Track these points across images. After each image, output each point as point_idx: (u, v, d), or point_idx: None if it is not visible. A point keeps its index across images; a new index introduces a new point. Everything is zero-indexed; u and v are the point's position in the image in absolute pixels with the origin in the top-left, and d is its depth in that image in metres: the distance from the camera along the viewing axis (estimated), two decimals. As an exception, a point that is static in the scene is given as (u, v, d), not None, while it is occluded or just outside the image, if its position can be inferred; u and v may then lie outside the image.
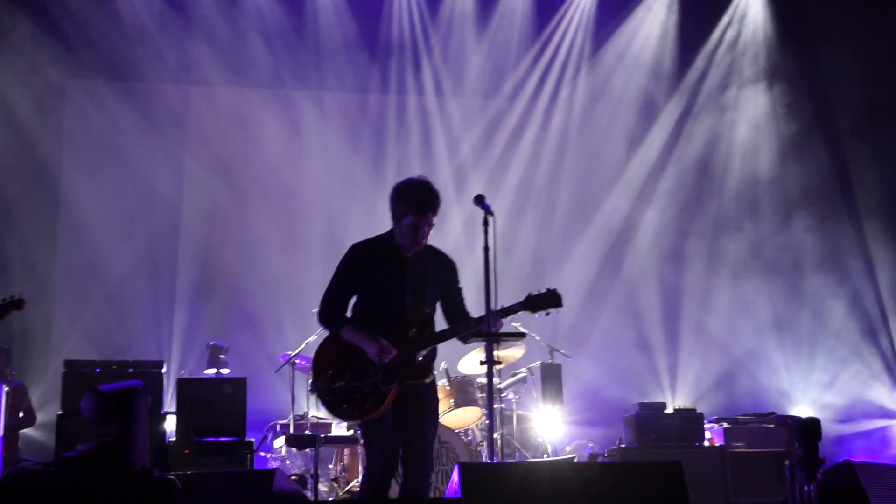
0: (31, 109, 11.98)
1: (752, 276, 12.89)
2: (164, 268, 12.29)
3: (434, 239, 6.14)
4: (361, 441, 6.20)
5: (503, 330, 6.00)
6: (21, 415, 10.60)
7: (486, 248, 6.00)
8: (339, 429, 10.03)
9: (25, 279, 11.59)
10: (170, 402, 9.16)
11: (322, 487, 9.41)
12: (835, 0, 12.78)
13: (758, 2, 13.23)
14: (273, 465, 9.91)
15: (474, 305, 6.26)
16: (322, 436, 8.93)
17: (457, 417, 9.47)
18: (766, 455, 9.76)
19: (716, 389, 12.53)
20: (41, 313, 11.58)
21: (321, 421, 10.45)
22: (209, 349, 10.44)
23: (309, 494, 8.48)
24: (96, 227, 12.11)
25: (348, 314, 6.12)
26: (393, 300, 5.89)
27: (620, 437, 10.19)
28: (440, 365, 9.66)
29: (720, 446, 9.90)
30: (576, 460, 10.06)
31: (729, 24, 13.27)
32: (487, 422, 6.34)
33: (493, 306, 5.88)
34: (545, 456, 10.24)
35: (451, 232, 11.97)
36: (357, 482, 9.12)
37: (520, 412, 10.46)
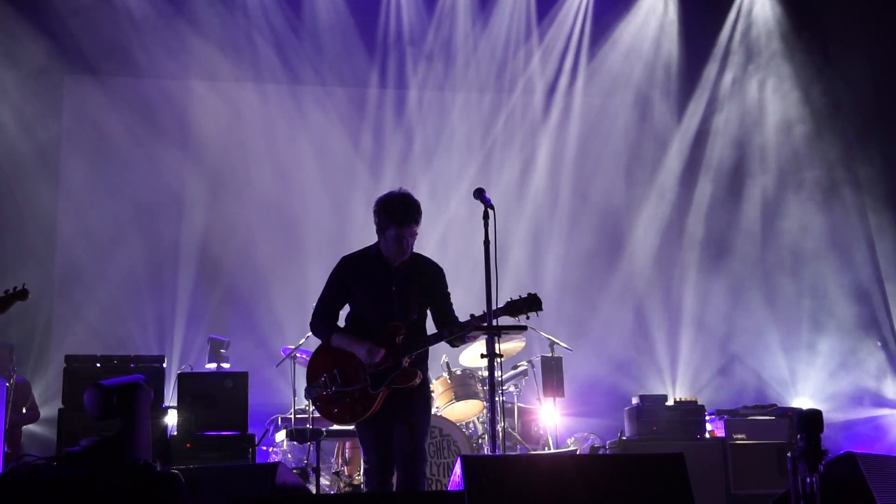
0: (30, 105, 11.97)
1: (753, 268, 12.90)
2: (165, 262, 12.30)
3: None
4: (360, 442, 6.39)
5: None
6: (25, 410, 10.61)
7: (487, 242, 6.15)
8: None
9: (26, 275, 11.56)
10: (171, 397, 9.16)
11: (324, 481, 9.42)
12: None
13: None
14: (275, 458, 9.92)
15: (477, 298, 6.29)
16: (324, 430, 8.94)
17: (458, 410, 9.48)
18: (768, 447, 9.76)
19: (717, 381, 12.54)
20: (42, 309, 11.59)
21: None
22: (210, 343, 10.44)
23: (311, 488, 8.49)
24: (97, 222, 12.13)
25: (341, 324, 6.36)
26: (381, 308, 6.13)
27: (622, 430, 10.20)
28: (441, 359, 9.67)
29: (721, 438, 9.90)
30: (577, 453, 10.07)
31: (736, 19, 13.27)
32: (489, 415, 6.40)
33: (493, 300, 6.03)
34: (546, 448, 10.25)
35: (452, 226, 12.00)
36: (359, 475, 9.15)
37: (521, 405, 10.46)
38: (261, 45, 12.64)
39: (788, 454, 4.80)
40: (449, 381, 9.54)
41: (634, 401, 10.18)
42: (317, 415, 9.95)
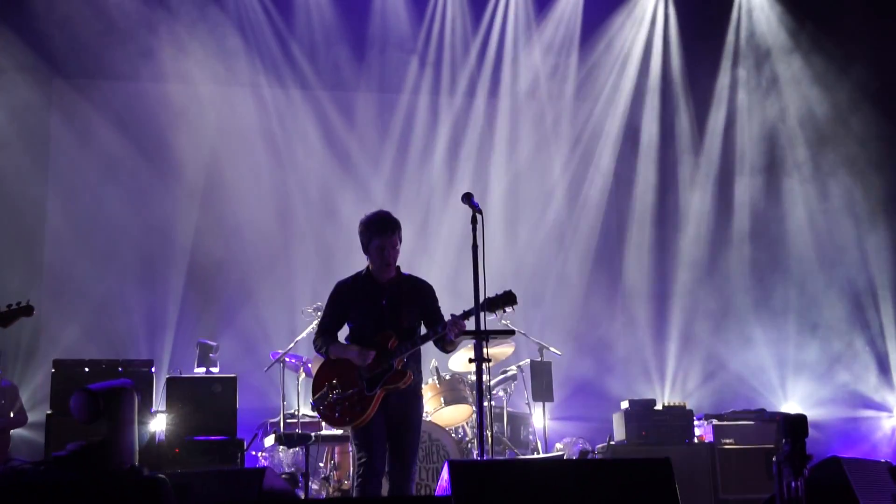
0: (16, 110, 11.94)
1: (741, 273, 12.93)
2: (154, 266, 12.28)
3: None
4: (354, 443, 6.67)
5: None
6: (12, 415, 10.58)
7: (475, 246, 6.34)
8: (330, 427, 10.02)
9: (13, 278, 11.57)
10: (160, 401, 9.15)
11: (313, 486, 9.41)
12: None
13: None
14: (263, 463, 9.91)
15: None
16: (313, 434, 8.93)
17: (447, 415, 9.48)
18: (756, 451, 9.80)
19: (705, 386, 12.56)
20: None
21: (312, 419, 10.45)
22: (198, 348, 10.43)
23: (300, 493, 8.49)
24: (86, 226, 12.11)
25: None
26: (374, 322, 6.66)
27: (611, 434, 10.22)
28: (430, 363, 9.67)
29: (710, 443, 9.94)
30: (566, 457, 10.08)
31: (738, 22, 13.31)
32: (477, 419, 6.47)
33: (481, 303, 6.25)
34: (535, 453, 10.26)
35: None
36: (347, 481, 9.16)
37: (510, 409, 10.47)
38: (251, 47, 12.64)
39: (774, 458, 4.82)
40: (438, 386, 9.54)
41: (623, 405, 10.21)
42: (305, 420, 10.02)
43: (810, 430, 4.71)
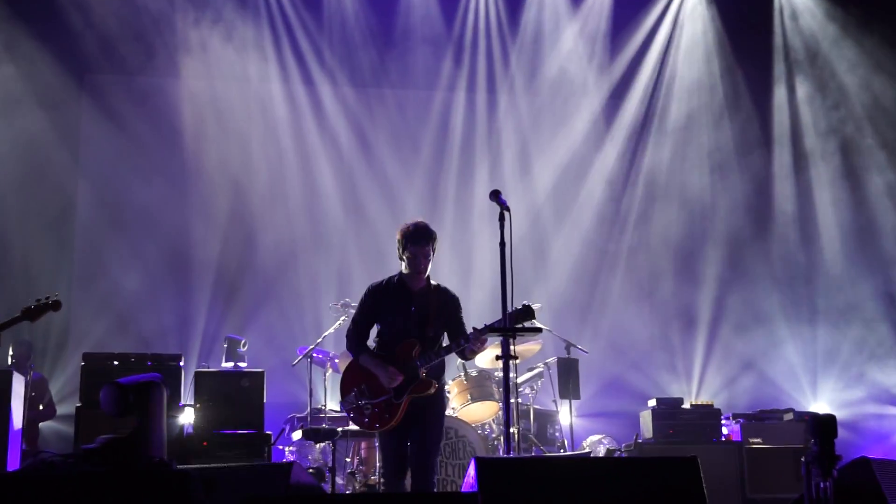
0: (46, 107, 12.01)
1: (770, 271, 12.84)
2: (184, 261, 12.34)
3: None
4: (379, 443, 7.11)
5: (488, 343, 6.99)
6: (41, 407, 10.67)
7: (503, 244, 6.50)
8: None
9: (44, 271, 11.67)
10: (188, 395, 9.20)
11: (339, 481, 9.43)
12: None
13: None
14: (290, 458, 9.95)
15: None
16: (339, 429, 8.95)
17: (473, 411, 9.48)
18: (784, 451, 9.73)
19: (733, 385, 12.49)
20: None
21: (338, 414, 10.48)
22: (226, 342, 10.47)
23: (326, 487, 8.51)
24: (115, 221, 12.18)
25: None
26: (401, 327, 6.98)
27: (638, 432, 10.18)
28: (457, 360, 9.68)
29: (737, 442, 9.89)
30: (592, 455, 10.06)
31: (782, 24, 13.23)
32: (504, 416, 6.53)
33: (509, 301, 6.42)
34: (562, 451, 10.25)
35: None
36: (373, 477, 9.19)
37: (536, 407, 10.46)
38: (280, 45, 12.70)
39: (802, 459, 4.80)
40: (465, 383, 9.55)
41: (651, 404, 10.17)
42: (332, 415, 10.05)
43: (840, 431, 4.68)
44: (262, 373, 8.85)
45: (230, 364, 10.03)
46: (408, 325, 6.97)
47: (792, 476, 9.47)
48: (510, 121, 13.35)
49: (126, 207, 12.25)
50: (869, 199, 12.48)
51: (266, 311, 12.31)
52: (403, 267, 7.05)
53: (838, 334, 12.36)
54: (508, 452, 6.54)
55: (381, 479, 6.97)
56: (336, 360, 10.02)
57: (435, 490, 7.01)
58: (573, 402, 10.45)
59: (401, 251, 7.02)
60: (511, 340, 6.50)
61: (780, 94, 13.07)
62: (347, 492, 9.48)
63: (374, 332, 7.23)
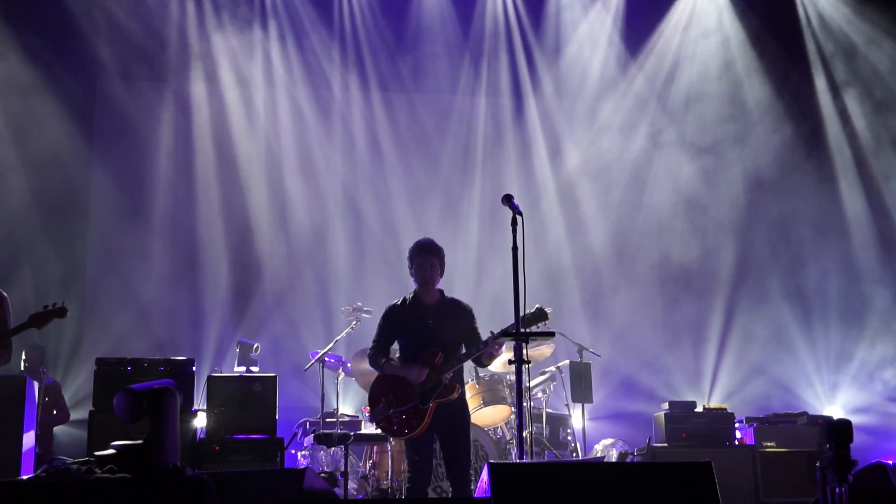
0: (61, 109, 12.06)
1: (784, 273, 12.81)
2: (196, 265, 12.35)
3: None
4: (406, 450, 7.47)
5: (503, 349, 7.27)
6: (55, 412, 10.70)
7: (515, 248, 6.55)
8: (369, 427, 10.07)
9: (56, 275, 11.71)
10: (201, 400, 9.20)
11: (352, 485, 9.43)
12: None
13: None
14: (303, 462, 9.95)
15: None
16: (352, 434, 8.95)
17: (486, 415, 9.48)
18: (798, 455, 9.71)
19: (747, 389, 12.46)
20: (72, 311, 11.63)
21: (351, 419, 10.49)
22: (239, 347, 10.49)
23: (339, 492, 8.51)
24: (128, 225, 12.21)
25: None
26: (421, 338, 7.41)
27: (650, 436, 10.16)
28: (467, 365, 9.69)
29: (751, 446, 9.86)
30: (605, 459, 10.04)
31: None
32: (517, 420, 6.55)
33: (521, 305, 6.51)
34: (574, 454, 10.23)
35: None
36: (385, 481, 9.20)
37: (549, 410, 10.45)
38: (295, 49, 12.74)
39: (818, 464, 4.77)
40: (477, 387, 9.55)
41: (664, 407, 10.15)
42: (344, 419, 10.06)
43: (855, 435, 4.66)
44: (275, 377, 8.84)
45: (242, 368, 10.04)
46: (427, 337, 7.38)
47: (806, 479, 9.45)
48: (521, 123, 13.33)
49: (139, 212, 12.27)
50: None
51: (278, 316, 12.33)
52: (415, 282, 7.50)
53: (854, 337, 12.32)
54: (522, 457, 6.53)
55: (407, 485, 7.30)
56: (349, 365, 10.03)
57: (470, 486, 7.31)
58: (585, 405, 10.44)
59: (410, 266, 7.52)
60: (524, 344, 6.57)
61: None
62: (360, 496, 9.49)
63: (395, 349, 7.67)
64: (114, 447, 4.59)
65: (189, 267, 12.34)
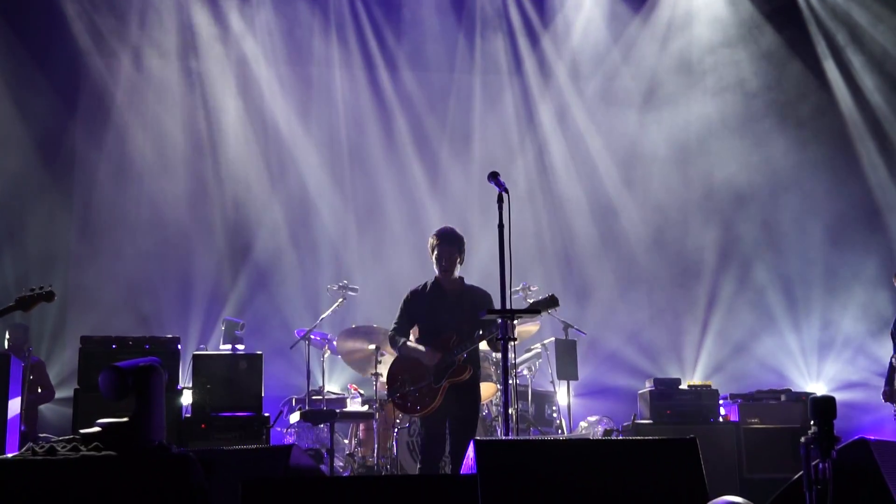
0: (43, 85, 11.99)
1: (768, 250, 12.84)
2: (182, 243, 12.31)
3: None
4: (420, 427, 7.98)
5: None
6: (40, 390, 10.69)
7: (501, 226, 6.64)
8: (354, 404, 10.09)
9: (40, 253, 11.66)
10: (186, 378, 9.19)
11: (337, 462, 9.46)
12: None
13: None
14: (289, 440, 9.97)
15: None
16: (337, 411, 8.97)
17: (472, 393, 9.48)
18: (781, 431, 9.76)
19: (730, 366, 12.51)
20: (56, 289, 11.60)
21: (337, 396, 10.51)
22: (224, 325, 10.48)
23: (324, 469, 8.53)
24: (113, 202, 12.17)
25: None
26: (439, 321, 7.75)
27: (635, 413, 10.20)
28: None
29: (735, 422, 9.91)
30: (590, 436, 10.08)
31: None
32: (502, 398, 6.58)
33: (507, 283, 6.65)
34: (560, 431, 10.28)
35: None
36: (371, 458, 9.25)
37: (534, 388, 10.48)
38: (293, 25, 12.71)
39: (802, 440, 4.79)
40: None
41: (648, 384, 10.19)
42: (330, 397, 10.09)
43: (839, 410, 4.68)
44: (261, 355, 8.84)
45: (228, 347, 10.03)
46: (445, 321, 7.69)
47: (789, 456, 9.48)
48: (506, 99, 13.32)
49: (123, 189, 12.22)
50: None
51: (264, 294, 12.31)
52: (435, 269, 7.83)
53: (838, 313, 12.37)
54: (507, 434, 6.62)
55: (420, 458, 7.82)
56: (334, 343, 10.03)
57: None
58: (571, 382, 10.47)
59: (430, 253, 7.86)
60: (512, 323, 6.73)
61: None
62: (346, 474, 9.52)
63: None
64: (99, 425, 4.57)
65: (173, 245, 12.28)
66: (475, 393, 7.81)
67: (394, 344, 7.95)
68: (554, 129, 13.25)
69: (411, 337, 7.91)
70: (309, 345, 9.99)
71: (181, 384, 8.72)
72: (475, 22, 13.16)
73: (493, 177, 6.85)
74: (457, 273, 7.85)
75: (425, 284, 7.97)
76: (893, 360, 9.38)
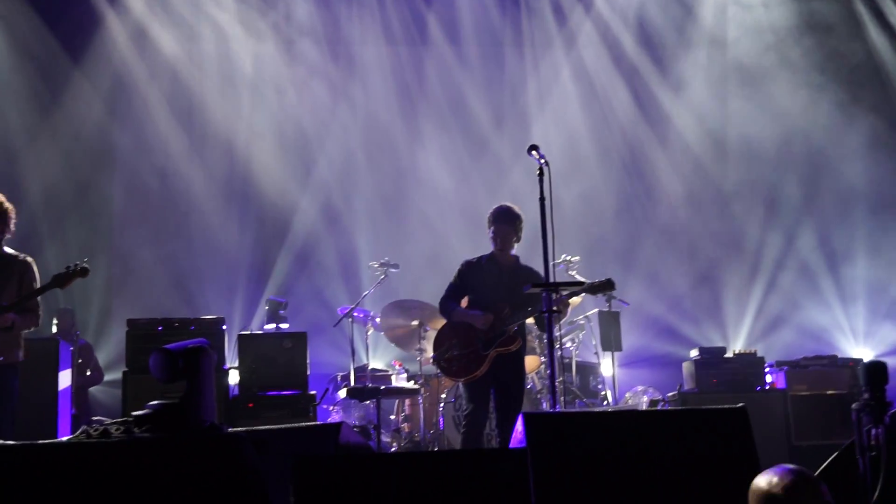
0: (79, 65, 12.12)
1: (810, 214, 12.72)
2: (223, 225, 12.36)
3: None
4: (464, 396, 7.79)
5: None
6: (89, 373, 10.82)
7: (542, 199, 6.63)
8: (400, 380, 10.12)
9: (84, 237, 11.77)
10: (232, 358, 9.27)
11: (384, 438, 9.51)
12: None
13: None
14: (335, 417, 10.03)
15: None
16: (382, 387, 9.01)
17: (516, 366, 9.49)
18: (829, 397, 9.69)
19: (776, 333, 12.41)
20: (101, 274, 11.73)
21: (381, 373, 10.54)
22: (268, 304, 10.54)
23: (372, 445, 8.58)
24: (154, 187, 12.25)
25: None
26: (491, 293, 7.73)
27: (681, 383, 10.16)
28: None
29: (782, 390, 9.85)
30: (637, 408, 10.06)
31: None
32: (548, 370, 6.59)
33: (550, 255, 6.59)
34: (605, 402, 10.26)
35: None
36: (417, 434, 9.28)
37: (579, 360, 10.46)
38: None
39: (853, 406, 4.76)
40: (506, 338, 9.56)
41: (693, 353, 10.14)
42: (375, 373, 10.13)
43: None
44: (305, 334, 8.92)
45: (272, 326, 10.10)
46: (497, 296, 7.67)
47: (838, 422, 9.44)
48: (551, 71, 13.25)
49: (165, 171, 12.30)
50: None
51: (304, 273, 12.34)
52: (491, 245, 7.85)
53: (881, 274, 12.25)
54: (555, 406, 6.62)
55: (463, 430, 7.67)
56: (377, 320, 10.06)
57: None
58: (615, 353, 10.43)
59: (488, 229, 7.86)
60: (554, 294, 6.77)
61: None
62: (393, 449, 9.57)
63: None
64: (150, 407, 4.61)
65: (218, 226, 12.33)
66: (521, 365, 7.81)
67: (445, 309, 7.94)
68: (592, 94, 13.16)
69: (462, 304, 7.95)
70: (352, 322, 10.02)
71: (227, 364, 8.81)
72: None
73: (533, 149, 6.77)
74: (513, 251, 7.87)
75: (480, 257, 7.98)
76: None
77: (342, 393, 9.87)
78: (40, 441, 4.75)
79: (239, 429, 5.22)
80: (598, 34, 13.13)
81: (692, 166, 13.10)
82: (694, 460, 5.01)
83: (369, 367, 10.29)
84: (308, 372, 8.78)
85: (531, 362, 9.57)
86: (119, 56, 12.28)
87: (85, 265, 7.34)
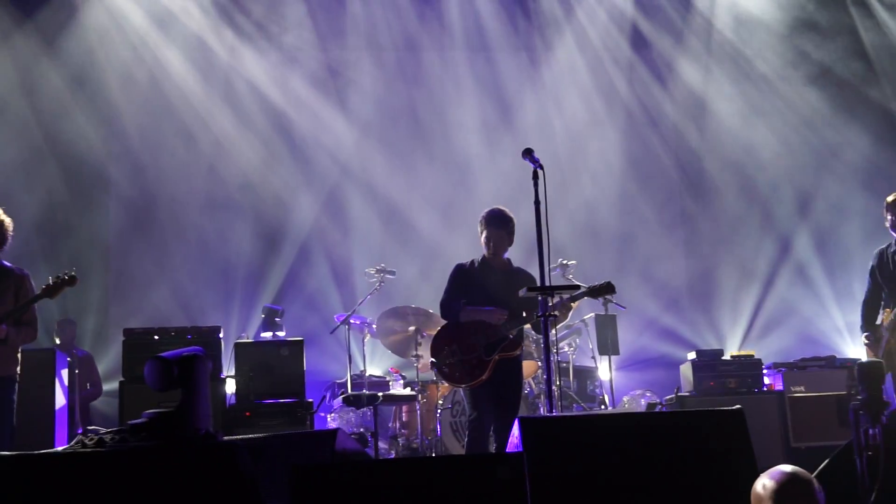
0: (74, 69, 12.14)
1: (804, 217, 12.72)
2: (218, 234, 12.34)
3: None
4: (467, 402, 7.72)
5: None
6: (88, 386, 10.76)
7: (538, 202, 6.58)
8: (397, 387, 10.11)
9: (80, 247, 11.74)
10: (229, 367, 9.26)
11: (382, 445, 9.49)
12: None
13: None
14: (332, 424, 10.02)
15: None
16: (380, 394, 9.00)
17: (513, 371, 9.48)
18: (827, 399, 9.68)
19: (773, 335, 12.40)
20: (97, 283, 11.71)
21: (379, 380, 10.53)
22: (264, 312, 10.52)
23: (369, 452, 8.57)
24: (150, 193, 12.22)
25: None
26: (485, 300, 7.60)
27: (678, 385, 10.16)
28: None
29: (779, 391, 9.84)
30: (634, 411, 10.05)
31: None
32: (545, 375, 6.60)
33: (546, 259, 6.57)
34: (602, 406, 10.25)
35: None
36: (416, 440, 9.26)
37: (575, 364, 10.45)
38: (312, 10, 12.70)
39: (851, 406, 4.76)
40: (503, 343, 9.55)
41: (690, 356, 10.14)
42: (372, 380, 10.10)
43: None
44: (302, 341, 8.91)
45: (269, 334, 10.08)
46: (493, 298, 7.58)
47: (836, 423, 9.43)
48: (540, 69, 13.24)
49: (160, 180, 12.28)
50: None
51: (300, 280, 12.32)
52: (484, 249, 7.80)
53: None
54: (552, 411, 6.61)
55: (467, 436, 7.60)
56: (374, 326, 10.05)
57: None
58: (612, 357, 10.42)
59: (480, 233, 7.81)
60: (550, 299, 6.71)
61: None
62: (391, 456, 9.55)
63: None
64: (146, 415, 4.61)
65: (212, 236, 12.31)
66: (520, 370, 7.78)
67: (450, 310, 7.74)
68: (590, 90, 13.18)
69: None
70: (349, 329, 10.01)
71: (224, 373, 8.80)
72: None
73: (528, 153, 6.75)
74: (506, 255, 7.82)
75: (472, 261, 7.87)
76: None
77: (339, 400, 9.85)
78: (36, 451, 4.74)
79: (234, 437, 5.21)
80: (599, 34, 13.13)
81: (690, 168, 13.11)
82: (691, 463, 5.01)
83: (366, 374, 10.28)
84: (305, 379, 8.77)
85: (528, 367, 9.55)
86: (112, 66, 12.28)
87: (73, 274, 7.35)
